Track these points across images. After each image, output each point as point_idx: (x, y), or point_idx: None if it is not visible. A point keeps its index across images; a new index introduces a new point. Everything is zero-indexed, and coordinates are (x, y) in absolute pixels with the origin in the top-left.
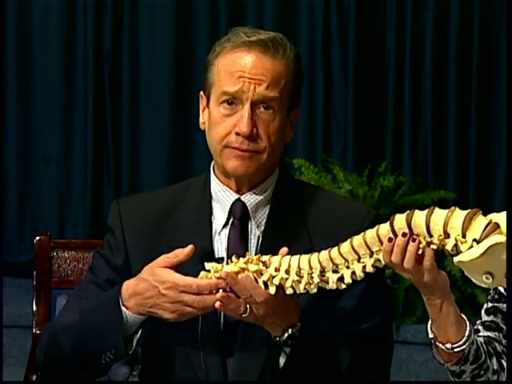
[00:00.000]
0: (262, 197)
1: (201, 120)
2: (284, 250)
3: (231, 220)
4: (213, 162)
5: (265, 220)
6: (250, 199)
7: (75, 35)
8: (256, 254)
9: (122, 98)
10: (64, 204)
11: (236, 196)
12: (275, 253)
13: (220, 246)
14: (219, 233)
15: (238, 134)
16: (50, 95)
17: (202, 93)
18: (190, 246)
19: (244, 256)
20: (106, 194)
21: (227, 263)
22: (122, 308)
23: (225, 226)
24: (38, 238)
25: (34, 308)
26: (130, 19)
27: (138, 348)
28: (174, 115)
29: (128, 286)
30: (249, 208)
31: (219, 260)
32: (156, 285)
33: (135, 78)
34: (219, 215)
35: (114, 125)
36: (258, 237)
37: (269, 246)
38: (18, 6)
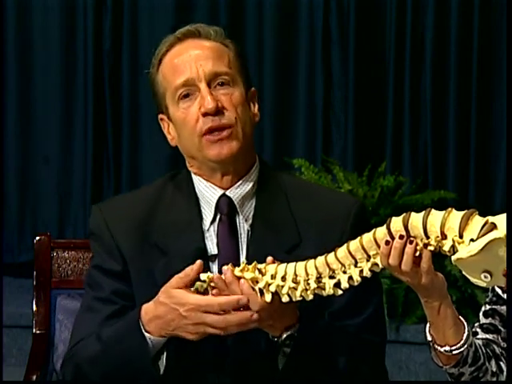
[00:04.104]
0: (246, 190)
1: (169, 137)
2: (269, 259)
3: (218, 216)
4: (188, 164)
5: (252, 213)
6: (235, 193)
7: (75, 35)
8: (247, 248)
9: (122, 98)
10: (64, 204)
11: (221, 191)
12: (265, 245)
13: (211, 243)
14: (208, 229)
15: (205, 114)
16: (50, 95)
17: (160, 116)
18: (199, 262)
19: (237, 252)
20: (106, 194)
21: (220, 272)
22: (145, 334)
23: (212, 222)
24: (38, 238)
25: (34, 308)
26: (130, 19)
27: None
28: None
29: (146, 310)
30: (235, 202)
31: (213, 257)
32: (176, 307)
33: (135, 78)
34: (205, 213)
35: (114, 125)
36: (248, 230)
37: (258, 239)
38: (18, 5)
